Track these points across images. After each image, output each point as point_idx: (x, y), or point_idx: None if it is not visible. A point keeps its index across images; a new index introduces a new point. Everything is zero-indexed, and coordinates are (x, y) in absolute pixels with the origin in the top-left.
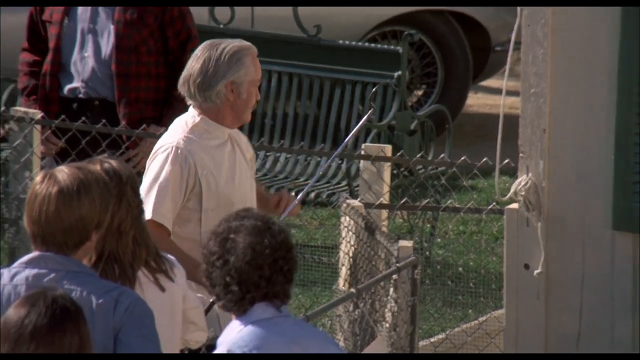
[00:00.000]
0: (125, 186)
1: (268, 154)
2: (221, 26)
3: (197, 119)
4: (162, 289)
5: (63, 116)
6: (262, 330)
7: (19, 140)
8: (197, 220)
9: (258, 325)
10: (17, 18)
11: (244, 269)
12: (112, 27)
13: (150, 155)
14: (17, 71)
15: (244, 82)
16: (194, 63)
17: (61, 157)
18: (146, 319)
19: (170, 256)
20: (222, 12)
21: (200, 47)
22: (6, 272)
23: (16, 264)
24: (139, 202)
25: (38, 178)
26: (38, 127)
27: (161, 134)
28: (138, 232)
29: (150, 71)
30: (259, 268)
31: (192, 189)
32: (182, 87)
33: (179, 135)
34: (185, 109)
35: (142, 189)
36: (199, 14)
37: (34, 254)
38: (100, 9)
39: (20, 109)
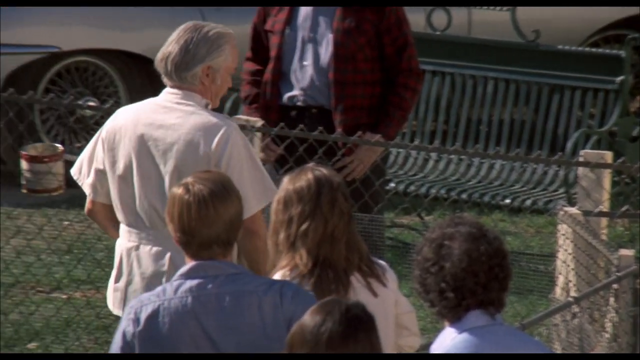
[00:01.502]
0: (337, 193)
1: (483, 160)
2: (437, 33)
3: (204, 100)
4: (375, 294)
5: (282, 124)
6: (476, 338)
7: None
8: None
9: (472, 333)
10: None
11: (460, 276)
12: (330, 35)
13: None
14: (240, 80)
15: (221, 69)
16: (173, 43)
17: (280, 164)
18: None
19: (381, 261)
20: (439, 18)
21: (182, 28)
22: (169, 287)
23: (176, 276)
24: (350, 208)
25: (179, 191)
26: (258, 134)
27: (377, 141)
28: (350, 237)
29: (366, 78)
30: (475, 275)
31: None
32: (158, 64)
33: (222, 115)
34: (402, 116)
35: (246, 177)
36: (416, 21)
37: (191, 264)
38: (320, 18)
39: (242, 117)
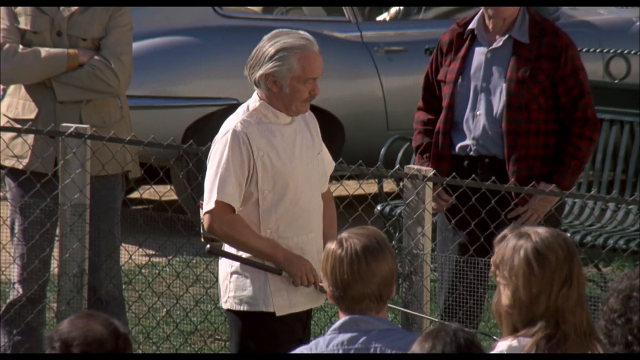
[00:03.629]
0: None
1: None
2: (616, 81)
3: (257, 103)
4: None
5: (454, 173)
6: None
7: (412, 197)
8: (255, 200)
9: None
10: (402, 80)
11: None
12: (504, 85)
13: (214, 143)
14: (412, 130)
15: (286, 78)
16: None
17: (452, 213)
18: None
19: None
20: (617, 67)
21: (267, 35)
22: (322, 340)
23: (329, 331)
24: None
25: (333, 246)
26: (430, 184)
27: (552, 191)
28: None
29: (540, 128)
30: None
31: (252, 171)
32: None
33: (238, 119)
34: (578, 166)
35: (207, 177)
36: (594, 69)
37: (344, 318)
38: (494, 68)
39: (413, 167)
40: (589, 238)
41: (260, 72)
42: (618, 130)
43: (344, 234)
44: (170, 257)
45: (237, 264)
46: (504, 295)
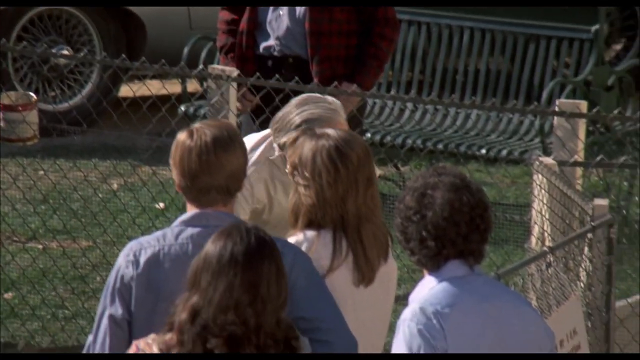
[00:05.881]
0: None
1: (459, 110)
2: None
3: (277, 153)
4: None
5: (257, 74)
6: (454, 288)
7: (216, 98)
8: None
9: (451, 282)
10: None
11: (441, 225)
12: None
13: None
14: (216, 29)
15: None
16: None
17: (256, 113)
18: (313, 272)
19: None
20: None
21: (297, 98)
22: (169, 232)
23: (176, 223)
24: None
25: (183, 135)
26: (234, 84)
27: (354, 92)
28: None
29: (342, 28)
30: (456, 225)
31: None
32: None
33: (265, 155)
34: (379, 67)
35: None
36: None
37: (193, 212)
38: None
39: (217, 67)
40: (388, 138)
41: (284, 139)
42: (416, 30)
43: (196, 125)
44: None
45: None
46: (305, 195)
